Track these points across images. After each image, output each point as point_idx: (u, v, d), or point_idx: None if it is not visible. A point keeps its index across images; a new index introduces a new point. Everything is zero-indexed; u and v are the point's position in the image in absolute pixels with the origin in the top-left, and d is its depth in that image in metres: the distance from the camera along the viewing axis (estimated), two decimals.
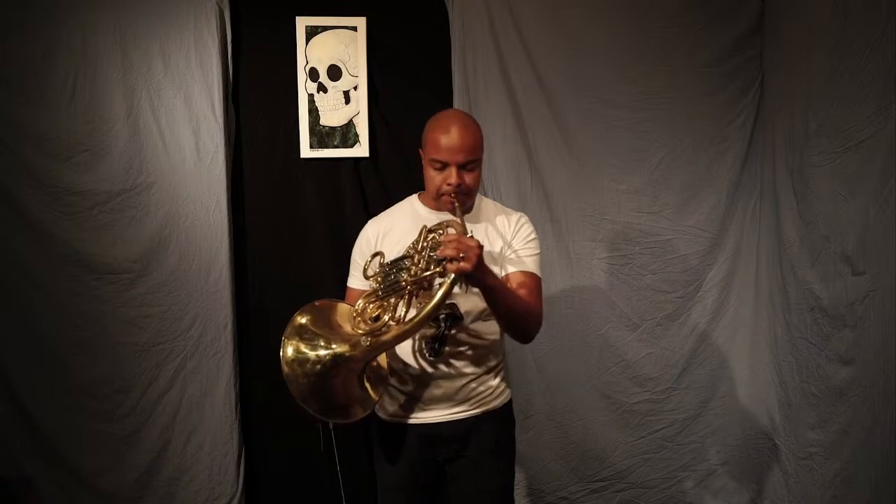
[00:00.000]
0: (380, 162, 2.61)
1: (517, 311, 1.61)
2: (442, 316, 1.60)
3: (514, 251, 1.72)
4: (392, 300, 1.57)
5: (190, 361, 2.49)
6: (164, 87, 2.45)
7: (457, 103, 2.59)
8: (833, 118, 2.23)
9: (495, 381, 1.75)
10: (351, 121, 2.58)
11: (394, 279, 1.58)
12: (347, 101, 2.57)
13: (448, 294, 1.46)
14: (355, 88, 2.57)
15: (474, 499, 1.74)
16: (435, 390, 1.68)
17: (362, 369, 1.60)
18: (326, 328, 1.60)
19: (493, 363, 1.74)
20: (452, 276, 1.44)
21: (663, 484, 2.77)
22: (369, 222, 1.83)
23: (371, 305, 1.61)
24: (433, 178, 1.66)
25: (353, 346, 1.54)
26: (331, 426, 2.37)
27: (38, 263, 2.40)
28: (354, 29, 2.55)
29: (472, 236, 1.50)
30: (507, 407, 1.80)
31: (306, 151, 2.56)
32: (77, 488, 2.45)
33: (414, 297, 1.55)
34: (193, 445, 2.51)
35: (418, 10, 2.62)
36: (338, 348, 1.55)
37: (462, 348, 1.68)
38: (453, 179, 1.62)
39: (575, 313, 2.70)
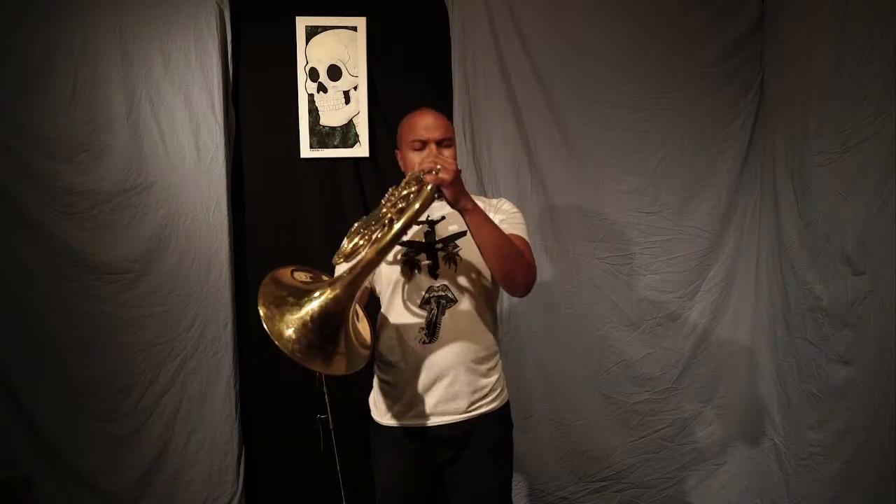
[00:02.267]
0: (380, 162, 2.61)
1: (503, 246, 1.56)
2: (433, 297, 1.62)
3: (499, 222, 1.70)
4: (372, 230, 1.55)
5: (190, 361, 2.49)
6: (164, 87, 2.45)
7: (457, 103, 2.59)
8: (833, 118, 2.23)
9: (491, 380, 1.73)
10: (351, 121, 2.58)
11: (373, 215, 1.58)
12: (347, 101, 2.57)
13: (427, 203, 1.46)
14: (355, 88, 2.57)
15: (473, 500, 1.73)
16: (430, 385, 1.67)
17: (353, 310, 1.51)
18: (295, 291, 1.48)
19: (487, 354, 1.72)
20: (430, 186, 1.46)
21: (663, 484, 2.77)
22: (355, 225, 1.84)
23: (351, 242, 1.59)
24: (413, 158, 1.70)
25: (332, 284, 1.47)
26: (331, 426, 2.37)
27: (38, 263, 2.40)
28: (354, 29, 2.55)
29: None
30: (506, 409, 1.80)
31: (306, 151, 2.56)
32: (77, 488, 2.45)
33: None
34: (193, 445, 2.51)
35: (418, 10, 2.62)
36: (320, 295, 1.44)
37: (456, 335, 1.67)
38: (433, 153, 1.66)
39: (575, 313, 2.70)
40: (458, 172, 1.49)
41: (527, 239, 1.73)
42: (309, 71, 2.54)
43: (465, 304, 1.68)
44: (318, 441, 2.38)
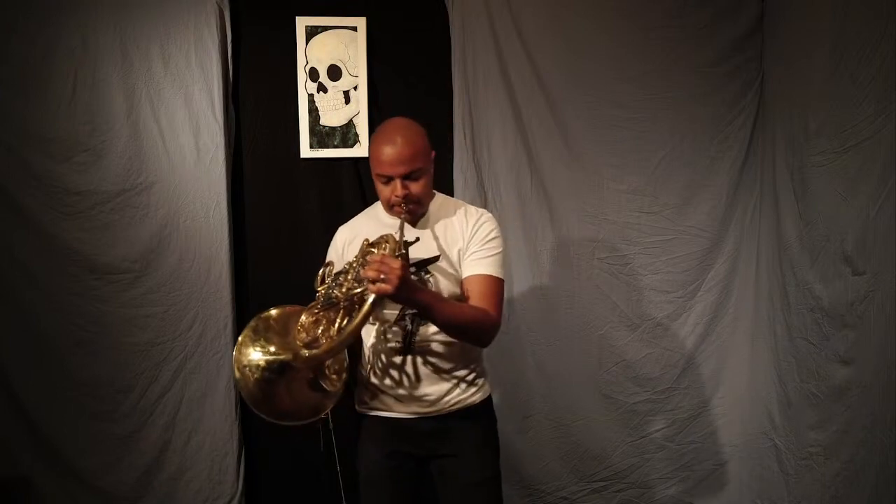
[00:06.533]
0: None
1: (462, 323, 1.61)
2: (408, 314, 1.64)
3: (472, 253, 1.70)
4: (330, 314, 1.60)
5: (190, 361, 2.50)
6: (164, 87, 2.45)
7: (457, 103, 2.59)
8: (833, 118, 2.23)
9: (471, 379, 1.76)
10: (351, 121, 2.58)
11: (331, 293, 1.61)
12: (347, 101, 2.57)
13: (368, 315, 1.46)
14: (355, 88, 2.57)
15: (463, 494, 1.75)
16: (410, 387, 1.70)
17: (310, 377, 1.62)
18: (281, 334, 1.62)
19: (466, 360, 1.74)
20: (373, 296, 1.45)
21: (663, 484, 2.77)
22: (340, 228, 1.86)
23: (312, 318, 1.63)
24: (382, 190, 1.69)
25: (295, 356, 1.57)
26: (330, 426, 2.37)
27: (38, 263, 2.40)
28: (354, 29, 2.55)
29: (397, 257, 1.49)
30: (486, 402, 1.81)
31: (306, 151, 2.56)
32: (77, 488, 2.45)
33: (349, 313, 1.56)
34: (193, 445, 2.51)
35: (418, 10, 2.62)
36: (281, 356, 1.58)
37: (433, 346, 1.69)
38: (399, 192, 1.64)
39: (575, 313, 2.70)
40: (402, 276, 1.43)
41: (498, 275, 1.70)
42: (309, 71, 2.54)
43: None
44: (318, 441, 2.38)
